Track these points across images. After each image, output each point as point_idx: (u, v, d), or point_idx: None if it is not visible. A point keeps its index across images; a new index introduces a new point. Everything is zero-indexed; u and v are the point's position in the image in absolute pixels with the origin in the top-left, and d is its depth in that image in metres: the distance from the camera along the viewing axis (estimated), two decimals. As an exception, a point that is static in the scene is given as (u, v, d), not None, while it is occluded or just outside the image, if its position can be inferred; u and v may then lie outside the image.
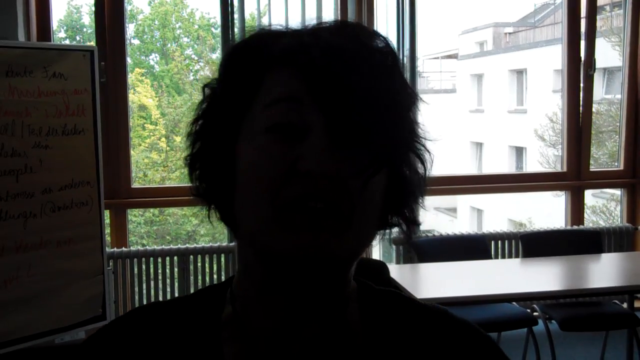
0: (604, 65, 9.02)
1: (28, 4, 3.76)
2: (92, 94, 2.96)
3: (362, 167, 0.63)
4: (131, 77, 8.80)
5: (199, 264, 4.09)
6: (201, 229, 8.75)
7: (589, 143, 4.73)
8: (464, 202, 13.75)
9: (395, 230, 0.71)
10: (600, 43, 4.91)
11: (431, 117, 0.69)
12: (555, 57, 9.00)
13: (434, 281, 3.40)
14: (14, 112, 2.72)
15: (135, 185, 5.06)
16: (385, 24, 4.28)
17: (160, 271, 4.06)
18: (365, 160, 0.63)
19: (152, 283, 4.05)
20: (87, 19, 9.47)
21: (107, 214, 3.75)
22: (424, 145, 0.69)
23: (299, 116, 0.63)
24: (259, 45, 0.67)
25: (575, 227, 4.59)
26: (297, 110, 0.63)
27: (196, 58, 10.10)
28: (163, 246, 4.16)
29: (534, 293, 3.19)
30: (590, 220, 8.40)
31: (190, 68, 10.00)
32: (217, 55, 9.16)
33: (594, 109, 4.91)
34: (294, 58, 0.64)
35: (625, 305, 3.82)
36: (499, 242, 4.42)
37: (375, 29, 0.68)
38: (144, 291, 4.03)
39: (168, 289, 4.31)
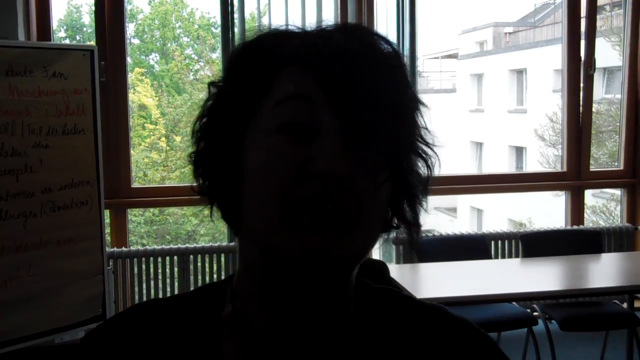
0: (604, 65, 9.02)
1: (28, 3, 3.76)
2: (92, 94, 2.96)
3: (375, 169, 0.63)
4: (131, 77, 8.80)
5: (199, 264, 4.09)
6: (201, 229, 8.75)
7: (589, 143, 4.73)
8: (464, 202, 13.75)
9: (395, 231, 0.71)
10: (600, 43, 4.91)
11: (431, 117, 0.70)
12: (555, 56, 9.00)
13: (434, 281, 3.40)
14: (14, 111, 2.72)
15: (135, 185, 5.05)
16: (385, 23, 4.28)
17: (160, 271, 4.06)
18: (377, 162, 0.63)
19: (152, 283, 4.05)
20: (87, 18, 9.48)
21: (107, 213, 3.75)
22: (431, 148, 0.69)
23: (310, 116, 0.63)
24: (269, 45, 0.67)
25: (575, 227, 4.59)
26: (308, 109, 0.63)
27: (196, 58, 10.10)
28: (163, 246, 4.16)
29: (534, 293, 3.19)
30: (590, 220, 8.40)
31: (190, 68, 10.00)
32: (217, 55, 9.16)
33: (594, 109, 4.91)
34: (305, 58, 0.64)
35: (625, 305, 3.82)
36: (499, 242, 4.42)
37: (375, 29, 0.69)
38: (144, 291, 4.03)
39: (168, 289, 4.32)
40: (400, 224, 0.70)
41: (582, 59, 4.60)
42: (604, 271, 3.65)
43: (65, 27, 9.60)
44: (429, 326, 0.72)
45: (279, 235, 0.62)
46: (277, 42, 0.67)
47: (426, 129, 0.69)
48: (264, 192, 0.63)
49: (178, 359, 0.69)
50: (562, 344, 3.77)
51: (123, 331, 0.72)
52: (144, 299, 4.04)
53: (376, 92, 0.63)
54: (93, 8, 3.99)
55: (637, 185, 4.80)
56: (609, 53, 8.38)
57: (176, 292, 4.23)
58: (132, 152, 4.27)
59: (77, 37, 9.68)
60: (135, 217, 8.58)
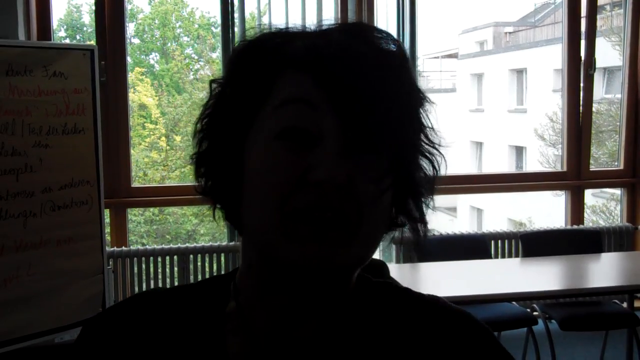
0: (604, 64, 9.02)
1: (28, 3, 3.76)
2: (92, 93, 2.96)
3: (379, 173, 0.62)
4: (131, 76, 8.80)
5: (199, 263, 4.09)
6: (201, 228, 8.75)
7: (589, 142, 4.73)
8: (464, 201, 13.75)
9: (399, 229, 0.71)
10: (600, 42, 4.91)
11: (431, 117, 0.69)
12: (555, 56, 9.00)
13: (434, 281, 3.40)
14: (14, 111, 2.72)
15: (135, 184, 5.05)
16: (385, 23, 4.28)
17: (160, 270, 4.06)
18: (379, 167, 0.63)
19: (152, 282, 4.05)
20: (87, 18, 9.46)
21: (107, 213, 3.75)
22: (436, 148, 0.68)
23: (310, 120, 0.62)
24: (271, 47, 0.66)
25: (575, 226, 4.59)
26: (308, 113, 0.63)
27: (196, 57, 10.09)
28: (163, 245, 4.16)
29: (534, 293, 3.19)
30: (590, 220, 8.40)
31: (191, 67, 9.99)
32: (217, 55, 9.16)
33: (594, 109, 4.91)
34: (306, 61, 0.63)
35: (625, 304, 3.81)
36: (499, 241, 4.42)
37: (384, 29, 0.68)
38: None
39: (168, 288, 4.31)
40: (405, 222, 0.70)
41: (582, 58, 4.60)
42: (604, 271, 3.65)
43: (65, 27, 9.59)
44: (426, 318, 0.72)
45: (278, 242, 0.62)
46: (278, 43, 0.66)
47: (431, 128, 0.68)
48: (263, 198, 0.63)
49: (181, 351, 0.69)
50: (562, 344, 3.77)
51: (124, 320, 0.72)
52: (144, 298, 4.03)
53: (378, 93, 0.62)
54: (93, 8, 3.99)
55: (637, 185, 4.80)
56: (609, 53, 8.38)
57: (176, 291, 4.23)
58: (132, 151, 4.27)
59: (78, 37, 9.67)
60: (135, 216, 8.57)
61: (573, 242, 3.93)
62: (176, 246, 4.11)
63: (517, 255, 4.34)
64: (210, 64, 9.59)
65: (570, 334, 3.59)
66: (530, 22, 14.54)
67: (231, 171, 0.66)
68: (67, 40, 9.67)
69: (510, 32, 14.93)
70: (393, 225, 0.70)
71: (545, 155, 10.84)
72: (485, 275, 3.44)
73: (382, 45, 0.66)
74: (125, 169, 4.05)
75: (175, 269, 4.12)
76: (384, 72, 0.63)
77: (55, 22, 5.20)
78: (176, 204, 5.39)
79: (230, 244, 4.15)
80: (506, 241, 4.43)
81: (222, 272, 4.09)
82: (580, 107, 4.64)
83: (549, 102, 10.54)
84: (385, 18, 4.29)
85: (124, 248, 4.01)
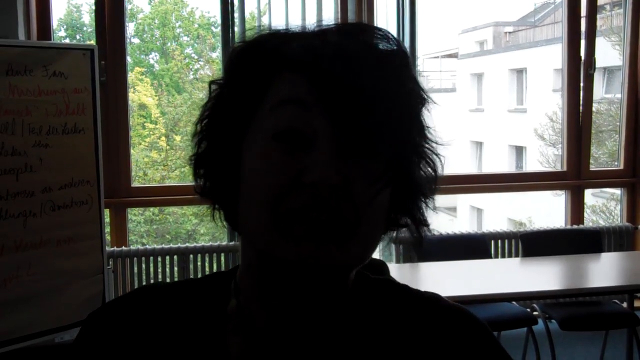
0: (604, 64, 9.02)
1: (28, 3, 3.76)
2: (92, 93, 2.96)
3: (372, 178, 0.62)
4: (131, 76, 8.79)
5: (199, 263, 4.09)
6: (201, 228, 8.75)
7: (589, 142, 4.73)
8: (464, 201, 13.75)
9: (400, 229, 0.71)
10: (600, 42, 4.91)
11: (431, 117, 0.69)
12: (555, 56, 9.00)
13: (434, 280, 3.40)
14: (14, 111, 2.72)
15: (135, 184, 5.05)
16: (385, 23, 4.28)
17: (160, 270, 4.06)
18: (374, 169, 0.63)
19: (152, 282, 4.05)
20: (87, 17, 9.46)
21: (107, 213, 3.75)
22: (433, 149, 0.68)
23: (305, 122, 0.62)
24: (268, 48, 0.66)
25: (575, 226, 4.59)
26: (303, 115, 0.63)
27: (196, 57, 10.09)
28: (163, 245, 4.16)
29: (534, 292, 3.19)
30: (590, 220, 8.40)
31: (190, 67, 9.99)
32: (217, 54, 9.16)
33: (594, 108, 4.91)
34: (301, 61, 0.63)
35: (625, 304, 3.82)
36: (499, 241, 4.42)
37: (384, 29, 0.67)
38: (144, 290, 4.02)
39: (168, 288, 4.31)
40: (405, 223, 0.70)
41: (582, 58, 4.60)
42: (604, 271, 3.65)
43: (65, 27, 9.59)
44: (425, 314, 0.72)
45: (273, 241, 0.62)
46: (275, 43, 0.66)
47: (431, 128, 0.68)
48: (257, 199, 0.63)
49: (183, 350, 0.69)
50: (562, 344, 3.77)
51: (125, 314, 0.72)
52: (144, 298, 4.03)
53: (374, 94, 0.62)
54: (93, 7, 3.99)
55: (637, 185, 4.80)
56: (609, 52, 8.38)
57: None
58: (132, 151, 4.27)
59: (77, 37, 9.67)
60: (135, 216, 8.57)
61: (573, 242, 3.93)
62: (176, 246, 4.11)
63: (517, 255, 4.34)
64: (210, 64, 9.59)
65: (570, 333, 3.59)
66: (530, 21, 14.54)
67: (229, 172, 0.67)
68: (67, 40, 9.66)
69: (510, 32, 14.93)
70: (393, 225, 0.69)
71: (545, 155, 10.84)
72: (485, 275, 3.44)
73: (381, 46, 0.65)
74: (125, 169, 4.05)
75: (175, 268, 4.12)
76: (381, 72, 0.63)
77: (55, 22, 5.20)
78: (176, 203, 5.39)
79: (230, 243, 4.15)
80: (506, 241, 4.43)
81: (222, 272, 4.10)
82: (580, 107, 4.64)
83: (549, 101, 10.54)
84: (385, 18, 4.29)
85: (124, 248, 4.01)
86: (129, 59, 5.59)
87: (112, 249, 3.95)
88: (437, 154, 0.68)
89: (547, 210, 8.32)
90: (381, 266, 0.85)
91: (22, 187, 2.73)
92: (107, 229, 3.83)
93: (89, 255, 2.97)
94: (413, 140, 0.66)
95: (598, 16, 4.80)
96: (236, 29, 4.04)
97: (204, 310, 0.72)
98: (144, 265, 4.00)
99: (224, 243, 4.16)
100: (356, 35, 0.65)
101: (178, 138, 9.15)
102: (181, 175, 8.62)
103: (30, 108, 2.76)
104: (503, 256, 4.41)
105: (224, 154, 0.67)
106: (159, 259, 4.04)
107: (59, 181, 2.84)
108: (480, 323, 0.73)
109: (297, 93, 0.63)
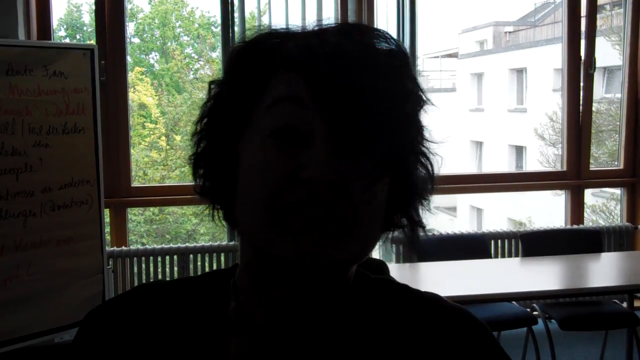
0: (604, 64, 9.02)
1: (28, 2, 3.76)
2: (92, 93, 2.96)
3: (370, 174, 0.62)
4: (131, 76, 8.79)
5: (199, 263, 4.09)
6: (201, 228, 8.74)
7: (589, 142, 4.73)
8: (464, 201, 13.76)
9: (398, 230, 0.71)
10: (600, 42, 4.91)
11: (431, 116, 0.69)
12: (555, 56, 9.00)
13: (434, 280, 3.40)
14: (14, 110, 2.72)
15: (135, 184, 5.06)
16: (385, 23, 4.28)
17: (160, 270, 4.06)
18: (369, 166, 0.63)
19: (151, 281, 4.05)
20: (87, 17, 9.46)
21: (106, 212, 3.75)
22: (429, 148, 0.68)
23: (302, 119, 0.63)
24: (266, 47, 0.67)
25: (575, 226, 4.59)
26: (300, 112, 0.63)
27: (196, 57, 10.09)
28: (163, 245, 4.16)
29: (534, 292, 3.19)
30: (590, 220, 8.40)
31: (190, 67, 9.99)
32: (217, 54, 9.16)
33: (594, 108, 4.91)
34: (298, 60, 0.64)
35: (625, 304, 3.81)
36: (499, 241, 4.42)
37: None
38: (144, 290, 4.02)
39: (168, 288, 4.31)
40: (403, 222, 0.70)
41: (582, 58, 4.60)
42: (604, 270, 3.65)
43: (65, 26, 9.59)
44: (424, 314, 0.72)
45: (270, 239, 0.62)
46: (274, 43, 0.67)
47: (427, 128, 0.68)
48: (253, 197, 0.63)
49: (183, 350, 0.69)
50: (562, 344, 3.77)
51: (125, 312, 0.72)
52: (144, 298, 4.03)
53: (370, 94, 0.62)
54: (93, 7, 3.99)
55: (637, 185, 4.80)
56: (609, 52, 8.38)
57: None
58: (132, 151, 4.28)
59: (77, 36, 9.67)
60: (135, 216, 8.57)
61: (573, 241, 3.93)
62: (176, 246, 4.11)
63: (517, 255, 4.34)
64: (210, 64, 9.59)
65: (570, 333, 3.59)
66: (530, 21, 14.54)
67: (227, 171, 0.67)
68: (67, 40, 9.66)
69: (510, 32, 14.93)
70: (390, 224, 0.70)
71: (545, 154, 10.84)
72: (485, 275, 3.44)
73: (380, 46, 0.65)
74: (125, 169, 4.05)
75: (175, 268, 4.12)
76: (378, 72, 0.63)
77: (55, 22, 5.20)
78: (176, 203, 5.39)
79: (230, 243, 4.15)
80: (506, 241, 4.43)
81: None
82: (580, 107, 4.64)
83: (549, 101, 10.54)
84: (385, 18, 4.29)
85: (123, 248, 4.01)
86: (129, 58, 5.59)
87: (112, 248, 3.95)
88: (434, 154, 0.69)
89: (547, 210, 8.32)
90: (381, 266, 0.85)
91: (22, 187, 2.73)
92: (107, 229, 3.84)
93: (89, 255, 2.97)
94: (410, 139, 0.66)
95: (598, 16, 4.80)
96: (236, 28, 4.04)
97: (203, 310, 0.72)
98: (143, 265, 4.00)
99: (224, 243, 4.17)
100: (355, 35, 0.65)
101: (178, 138, 9.15)
102: (181, 175, 8.61)
103: (30, 108, 2.76)
104: (503, 256, 4.41)
105: (222, 153, 0.67)
106: (159, 258, 4.04)
107: (59, 181, 2.84)
108: (479, 323, 0.73)
109: (294, 91, 0.63)
